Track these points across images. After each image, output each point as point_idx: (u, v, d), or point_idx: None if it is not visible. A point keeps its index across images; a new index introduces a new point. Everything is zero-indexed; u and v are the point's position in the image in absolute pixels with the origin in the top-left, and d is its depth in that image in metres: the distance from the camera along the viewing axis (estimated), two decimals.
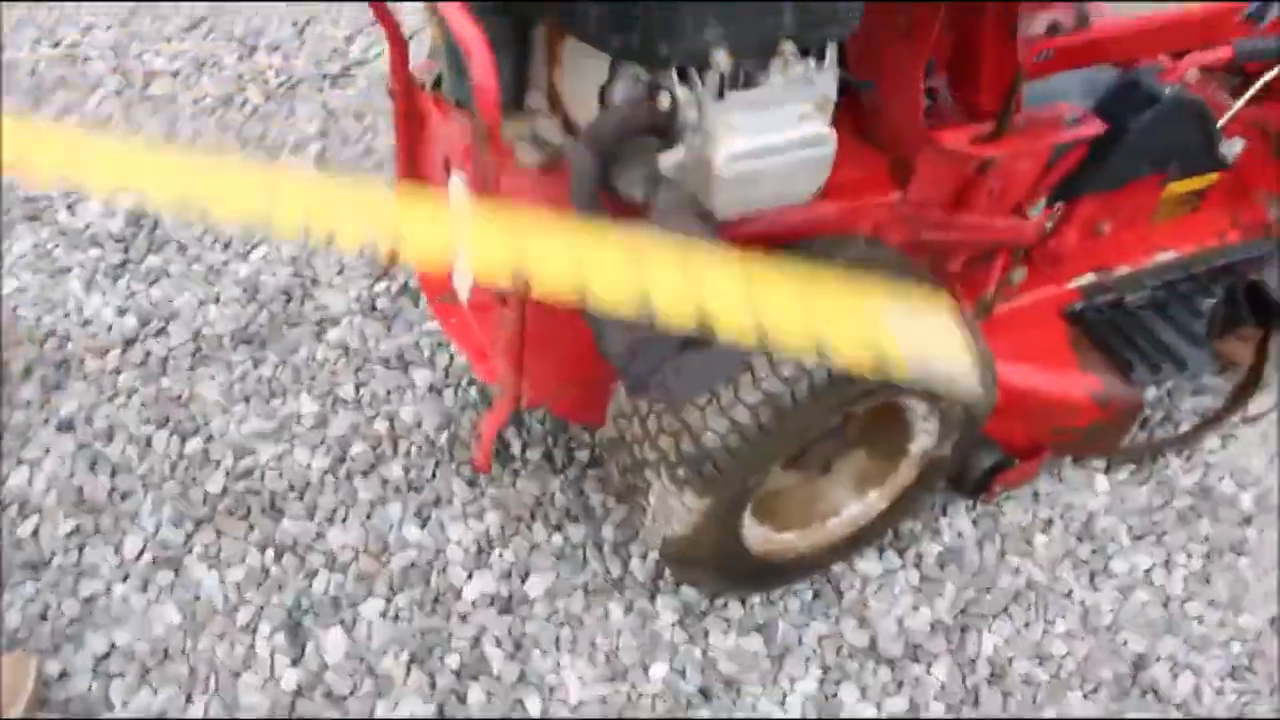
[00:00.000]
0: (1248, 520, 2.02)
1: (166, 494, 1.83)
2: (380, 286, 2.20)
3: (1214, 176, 2.14)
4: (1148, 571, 1.92)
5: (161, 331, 2.08)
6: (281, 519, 1.81)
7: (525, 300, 1.47)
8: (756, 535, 1.66)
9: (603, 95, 1.41)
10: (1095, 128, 1.73)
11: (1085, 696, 1.75)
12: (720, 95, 1.34)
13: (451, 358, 2.08)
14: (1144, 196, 2.06)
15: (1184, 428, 2.16)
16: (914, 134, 1.66)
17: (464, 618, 1.72)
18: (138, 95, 2.61)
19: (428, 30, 1.75)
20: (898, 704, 1.70)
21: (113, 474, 1.85)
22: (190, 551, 1.76)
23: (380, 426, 1.96)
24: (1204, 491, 2.06)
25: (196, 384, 1.99)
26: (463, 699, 1.63)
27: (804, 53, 1.35)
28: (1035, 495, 2.01)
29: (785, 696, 1.69)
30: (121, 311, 2.11)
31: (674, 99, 1.33)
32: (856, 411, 1.54)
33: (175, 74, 2.68)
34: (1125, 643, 1.82)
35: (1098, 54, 1.87)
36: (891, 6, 1.49)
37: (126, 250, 2.23)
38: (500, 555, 1.80)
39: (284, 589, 1.73)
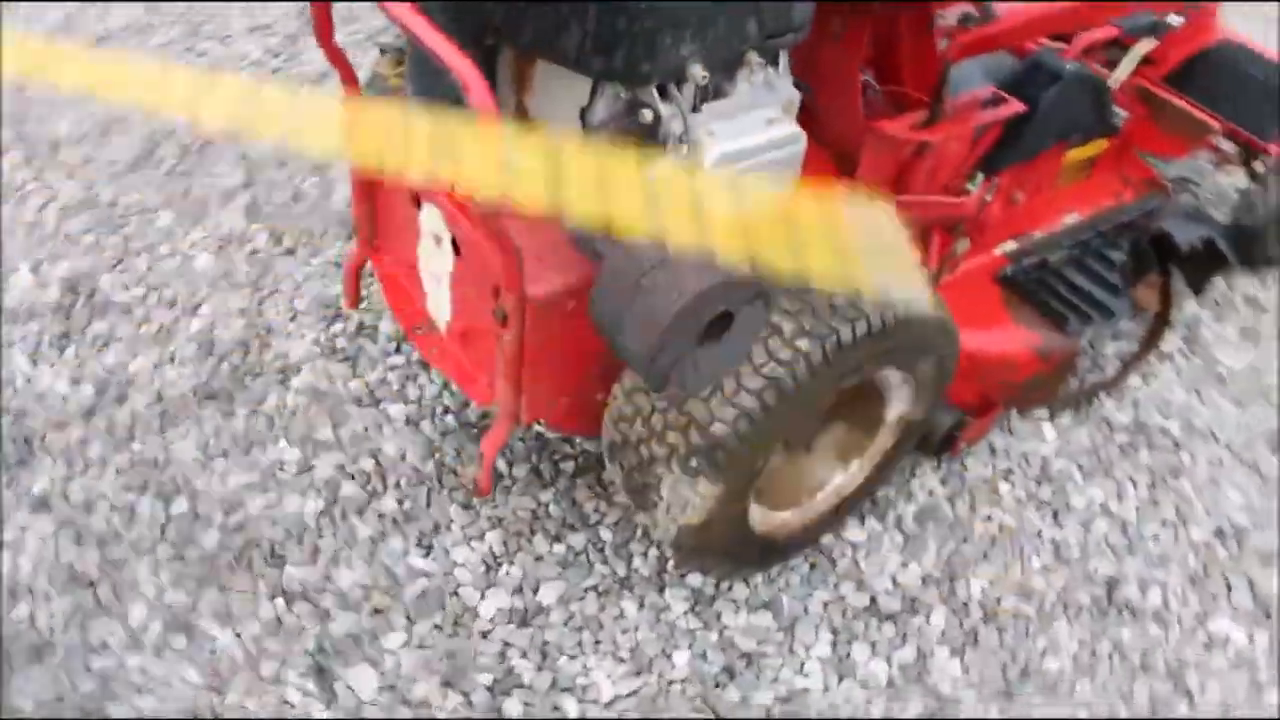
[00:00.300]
0: (1178, 445, 2.21)
1: (162, 557, 1.81)
2: (337, 328, 2.21)
3: (1104, 143, 2.34)
4: (1103, 504, 2.08)
5: (122, 397, 2.04)
6: (285, 566, 1.81)
7: (525, 320, 1.53)
8: (757, 516, 1.75)
9: (583, 115, 1.48)
10: (1016, 107, 1.88)
11: (1070, 622, 1.89)
12: (696, 107, 1.43)
13: (423, 388, 2.11)
14: (1049, 166, 2.23)
15: (1110, 371, 2.34)
16: (856, 127, 1.78)
17: (485, 635, 1.76)
18: (48, 160, 2.55)
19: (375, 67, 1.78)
20: (907, 654, 1.81)
21: (101, 545, 1.82)
22: (199, 611, 1.74)
23: (365, 464, 1.97)
24: (1138, 426, 2.24)
25: (170, 445, 1.97)
26: (501, 713, 1.67)
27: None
28: (992, 449, 2.15)
29: (803, 663, 1.78)
30: (75, 381, 2.06)
31: (657, 113, 1.41)
32: (844, 387, 1.64)
33: (83, 138, 2.62)
34: (1095, 569, 1.97)
35: (1002, 41, 2.03)
36: (825, 12, 1.60)
37: (67, 319, 2.18)
38: (508, 571, 1.84)
39: (303, 635, 1.73)
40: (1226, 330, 2.49)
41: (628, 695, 1.71)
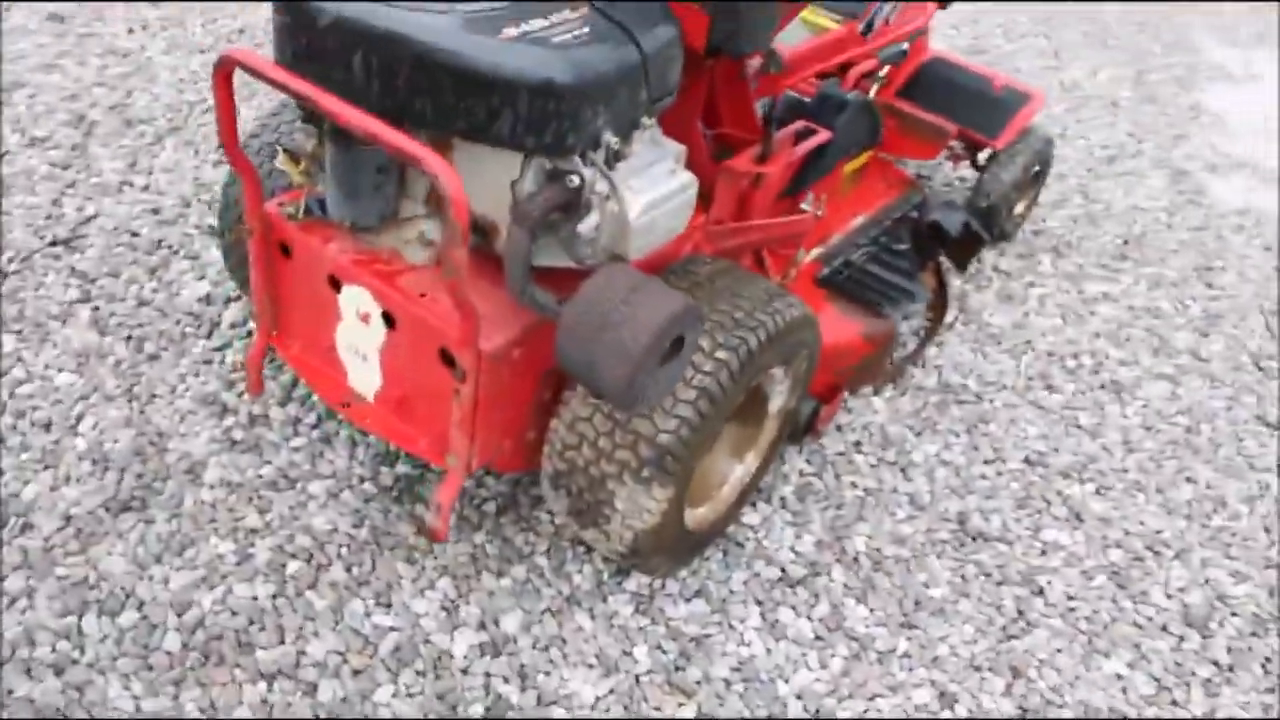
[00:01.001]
0: (979, 397, 2.65)
1: (126, 670, 1.81)
2: (229, 421, 2.26)
3: (869, 154, 2.78)
4: (937, 455, 2.48)
5: (28, 526, 2.01)
6: (255, 651, 1.87)
7: (480, 377, 1.70)
8: (688, 515, 2.00)
9: (513, 186, 1.68)
10: (825, 135, 2.25)
11: (938, 557, 2.26)
12: (611, 168, 1.67)
13: (333, 463, 2.20)
14: (834, 179, 2.63)
15: (910, 347, 2.77)
16: (707, 168, 2.07)
17: (465, 671, 1.89)
18: None
19: (282, 165, 1.89)
20: (822, 609, 2.11)
21: (58, 674, 1.80)
22: (185, 711, 1.77)
23: (303, 541, 2.05)
24: (944, 386, 2.67)
25: (98, 562, 1.96)
26: None
27: None
28: (839, 427, 2.50)
29: (743, 635, 2.04)
30: None
31: (582, 178, 1.64)
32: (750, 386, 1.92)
33: None
34: (946, 509, 2.35)
35: (790, 79, 2.40)
36: None
37: None
38: (467, 611, 1.98)
39: (293, 710, 1.80)
40: (988, 297, 2.99)
41: (606, 694, 1.90)
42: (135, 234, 2.71)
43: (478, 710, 1.84)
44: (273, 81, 1.60)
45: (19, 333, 2.40)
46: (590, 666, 1.94)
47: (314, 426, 2.27)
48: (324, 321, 1.94)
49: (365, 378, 1.94)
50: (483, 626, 1.97)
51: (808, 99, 2.47)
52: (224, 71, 1.67)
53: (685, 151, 1.79)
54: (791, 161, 2.20)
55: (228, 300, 2.54)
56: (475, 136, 1.61)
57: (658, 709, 1.90)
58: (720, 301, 1.85)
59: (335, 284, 1.87)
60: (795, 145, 2.24)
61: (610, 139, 1.65)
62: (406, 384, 1.87)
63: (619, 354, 1.54)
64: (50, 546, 1.98)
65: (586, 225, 1.66)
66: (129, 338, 2.42)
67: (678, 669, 1.97)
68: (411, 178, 1.82)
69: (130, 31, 3.53)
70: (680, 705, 1.91)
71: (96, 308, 2.49)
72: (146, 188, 2.87)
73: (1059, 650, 2.12)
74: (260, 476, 2.15)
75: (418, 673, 1.88)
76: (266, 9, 3.74)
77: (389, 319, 1.81)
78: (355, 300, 1.85)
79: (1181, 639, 2.19)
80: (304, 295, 1.95)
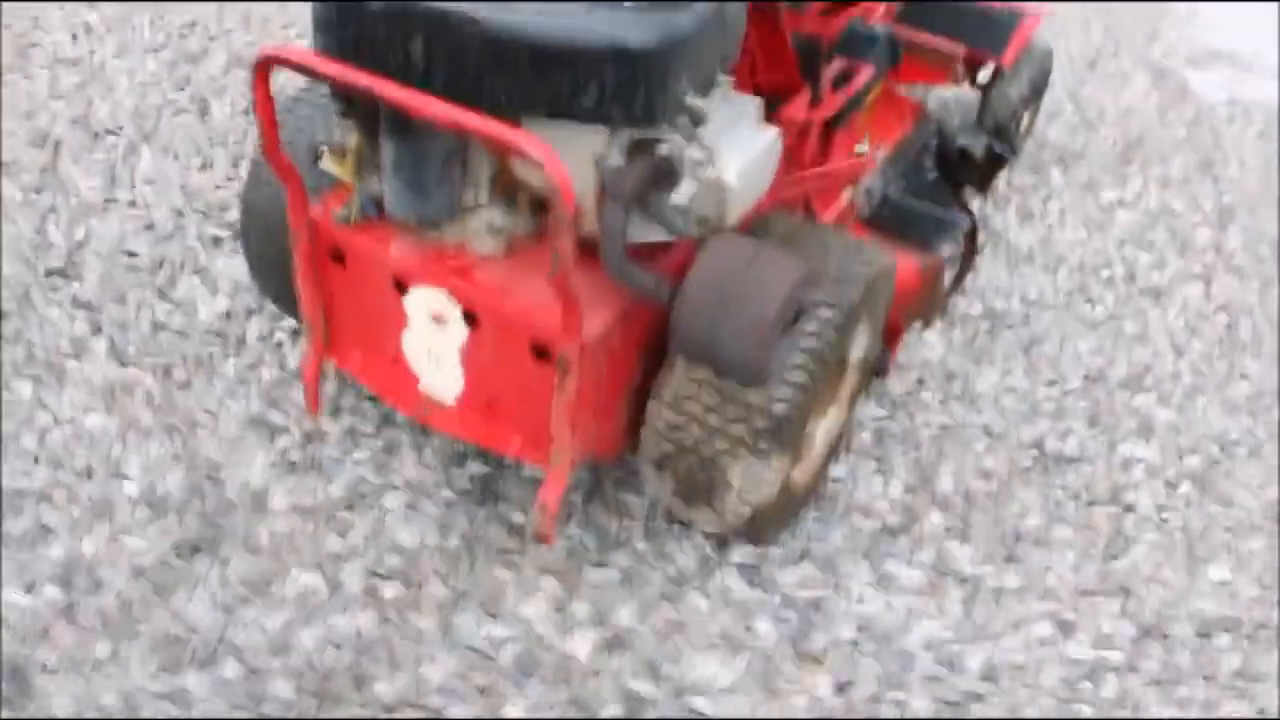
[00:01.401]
0: (1027, 318, 2.63)
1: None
2: (283, 443, 2.13)
3: (880, 85, 2.70)
4: (1000, 381, 2.45)
5: (96, 585, 1.87)
6: (373, 684, 1.77)
7: (582, 369, 1.61)
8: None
9: (597, 163, 1.58)
10: (868, 73, 2.16)
11: (1026, 485, 2.23)
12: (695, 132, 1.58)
13: (401, 472, 2.09)
14: (856, 114, 2.56)
15: (948, 278, 2.72)
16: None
17: (596, 674, 1.82)
18: None
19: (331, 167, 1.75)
20: (927, 556, 2.07)
21: None
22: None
23: (393, 560, 1.95)
24: (990, 312, 2.64)
25: (182, 613, 1.84)
26: None
27: None
28: (900, 367, 2.45)
29: (858, 593, 1.99)
30: (30, 589, 1.86)
31: (673, 146, 1.54)
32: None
33: None
34: (1021, 436, 2.33)
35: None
36: None
37: None
38: (579, 608, 1.91)
39: None
40: (1009, 216, 2.96)
41: (742, 673, 1.85)
42: (133, 254, 2.54)
43: (616, 711, 1.77)
44: (325, 76, 1.47)
45: (35, 377, 2.23)
46: (715, 648, 1.89)
47: (373, 436, 2.15)
48: (388, 327, 1.82)
49: (442, 382, 1.83)
50: (598, 623, 1.89)
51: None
52: (263, 71, 1.53)
53: (762, 104, 1.70)
54: (840, 104, 2.12)
55: (249, 313, 2.40)
56: (557, 113, 1.50)
57: (793, 681, 1.85)
58: (812, 259, 1.78)
59: (400, 287, 1.75)
60: (834, 86, 2.15)
61: (694, 101, 1.55)
62: (493, 383, 1.77)
63: (747, 327, 1.46)
64: (127, 602, 1.85)
65: (682, 195, 1.57)
66: (153, 366, 2.27)
67: (804, 635, 1.92)
68: (473, 164, 1.70)
69: (75, 38, 3.29)
70: (814, 674, 1.86)
71: (111, 338, 2.32)
72: (133, 203, 2.69)
73: (1161, 564, 2.12)
74: (330, 497, 2.04)
75: (544, 681, 1.80)
76: (199, 10, 3.53)
77: (469, 318, 1.71)
78: (426, 302, 1.74)
79: (1271, 537, 2.20)
80: (362, 302, 1.83)
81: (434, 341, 1.78)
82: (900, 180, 2.63)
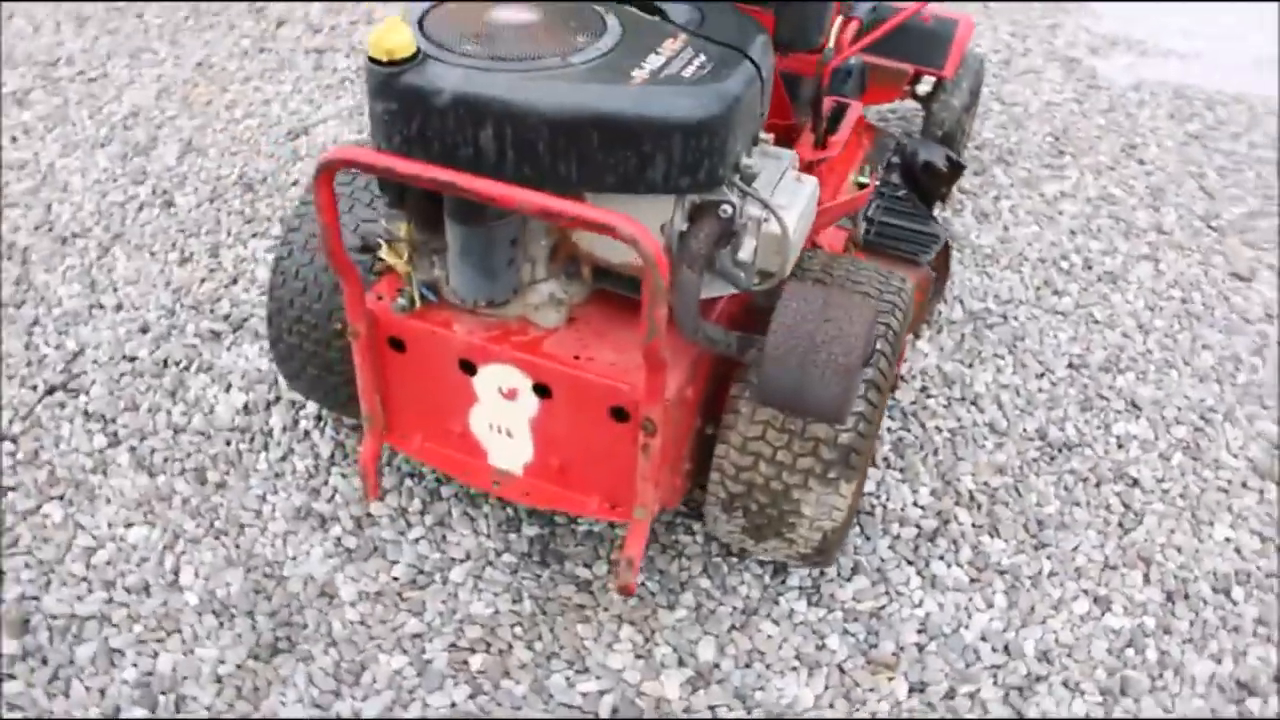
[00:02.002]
0: (1005, 317, 2.79)
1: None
2: (335, 531, 2.15)
3: None
4: (994, 380, 2.60)
5: (182, 700, 1.87)
6: None
7: (668, 427, 1.69)
8: None
9: (662, 229, 1.66)
10: (858, 107, 2.29)
11: (1037, 474, 2.38)
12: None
13: (460, 544, 2.13)
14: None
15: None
16: None
17: (688, 710, 1.90)
18: None
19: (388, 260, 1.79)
20: (965, 554, 2.20)
21: None
22: None
23: (473, 632, 1.99)
24: (971, 315, 2.79)
25: (275, 712, 1.85)
26: None
27: None
28: (901, 377, 2.59)
29: (913, 598, 2.11)
30: (114, 714, 1.85)
31: (733, 206, 1.63)
32: None
33: None
34: (1024, 429, 2.48)
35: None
36: None
37: None
38: (661, 652, 1.98)
39: None
40: (967, 220, 3.13)
41: (824, 690, 1.94)
42: (133, 358, 2.51)
43: None
44: (400, 175, 1.52)
45: (62, 498, 2.20)
46: (794, 669, 1.98)
47: (422, 514, 2.19)
48: (455, 407, 1.87)
49: (510, 453, 1.89)
50: (682, 663, 1.97)
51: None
52: (327, 175, 1.57)
53: (797, 158, 1.80)
54: (844, 139, 2.24)
55: (269, 405, 2.40)
56: (626, 187, 1.58)
57: (872, 690, 1.95)
58: (870, 296, 1.88)
59: (468, 367, 1.80)
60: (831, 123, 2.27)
61: (746, 161, 1.65)
62: (566, 449, 1.83)
63: (837, 373, 1.56)
64: (218, 715, 1.85)
65: (746, 251, 1.67)
66: (183, 471, 2.26)
67: (872, 646, 2.02)
68: (530, 242, 1.76)
69: (15, 140, 3.22)
70: (890, 679, 1.97)
71: (133, 448, 2.31)
72: (119, 306, 2.66)
73: (1172, 531, 2.29)
74: (396, 579, 2.07)
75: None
76: (155, 86, 3.49)
77: (541, 389, 1.77)
78: (496, 378, 1.80)
79: (1261, 492, 2.39)
80: (426, 385, 1.87)
81: (503, 415, 1.83)
82: (877, 199, 2.77)
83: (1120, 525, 2.29)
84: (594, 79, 1.55)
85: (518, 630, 2.00)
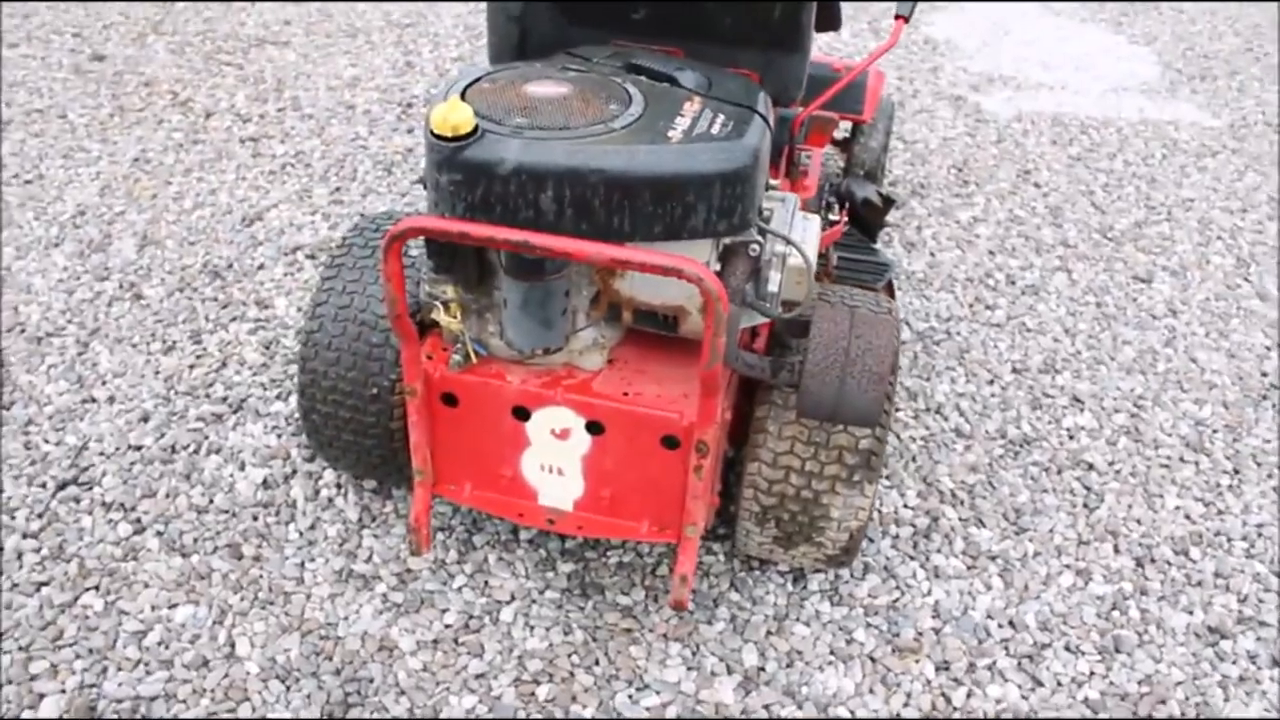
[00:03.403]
0: (949, 333, 3.07)
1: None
2: (379, 590, 2.23)
3: None
4: (951, 390, 2.86)
5: None
6: None
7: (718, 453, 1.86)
8: None
9: None
10: (820, 152, 2.53)
11: (1006, 469, 2.64)
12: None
13: (502, 586, 2.24)
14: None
15: None
16: None
17: (744, 712, 2.05)
18: None
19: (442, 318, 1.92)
20: (959, 544, 2.43)
21: None
22: None
23: (533, 665, 2.10)
24: (918, 335, 3.06)
25: None
26: None
27: None
28: None
29: (923, 588, 2.32)
30: None
31: (760, 245, 1.84)
32: None
33: None
34: (987, 430, 2.74)
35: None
36: None
37: None
38: (710, 662, 2.13)
39: None
40: (896, 249, 3.42)
41: (862, 678, 2.13)
42: (139, 447, 2.55)
43: None
44: (474, 238, 1.66)
45: (96, 588, 2.22)
46: (831, 663, 2.15)
47: (460, 563, 2.29)
48: (506, 452, 2.00)
49: (560, 492, 2.02)
50: (730, 670, 2.12)
51: None
52: (398, 245, 1.71)
53: (800, 199, 2.02)
54: (815, 181, 2.48)
55: (286, 479, 2.47)
56: (672, 235, 1.76)
57: (904, 672, 2.14)
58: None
59: (522, 413, 1.94)
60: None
61: (765, 203, 1.85)
62: (616, 481, 1.98)
63: (871, 381, 1.76)
64: None
65: (774, 283, 1.86)
66: (215, 549, 2.31)
67: (894, 635, 2.22)
68: (574, 293, 1.92)
69: None
70: (916, 662, 2.17)
71: (159, 532, 2.34)
72: (112, 399, 2.69)
73: (1130, 505, 2.57)
74: (449, 626, 2.17)
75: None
76: (96, 184, 3.52)
77: (593, 427, 1.92)
78: (549, 421, 1.94)
79: (1196, 464, 2.70)
80: (478, 435, 2.00)
81: (555, 455, 1.97)
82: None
83: (1085, 505, 2.56)
84: (637, 141, 1.73)
85: (575, 659, 2.12)
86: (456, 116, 1.67)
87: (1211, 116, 4.50)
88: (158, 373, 2.77)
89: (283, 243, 3.30)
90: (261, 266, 3.19)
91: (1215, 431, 2.80)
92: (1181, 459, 2.71)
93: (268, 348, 2.87)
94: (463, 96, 1.83)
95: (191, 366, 2.80)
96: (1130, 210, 3.70)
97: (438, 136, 1.68)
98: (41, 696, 2.00)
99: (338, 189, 3.61)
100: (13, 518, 2.35)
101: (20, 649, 2.08)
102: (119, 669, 2.07)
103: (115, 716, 1.98)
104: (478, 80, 1.89)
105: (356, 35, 4.82)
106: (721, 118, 1.83)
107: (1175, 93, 4.70)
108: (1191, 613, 2.32)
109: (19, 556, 2.26)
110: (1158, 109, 4.50)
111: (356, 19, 4.99)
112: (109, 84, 4.23)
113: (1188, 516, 2.55)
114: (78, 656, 2.08)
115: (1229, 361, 3.05)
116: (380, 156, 3.82)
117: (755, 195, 1.79)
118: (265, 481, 2.46)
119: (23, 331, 2.90)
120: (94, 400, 2.68)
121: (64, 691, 2.01)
